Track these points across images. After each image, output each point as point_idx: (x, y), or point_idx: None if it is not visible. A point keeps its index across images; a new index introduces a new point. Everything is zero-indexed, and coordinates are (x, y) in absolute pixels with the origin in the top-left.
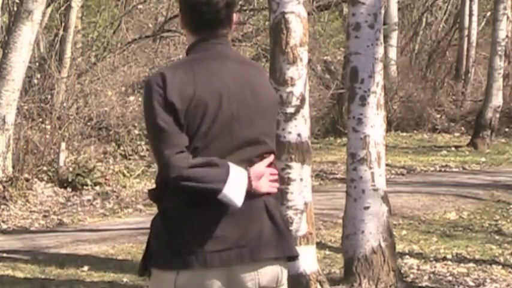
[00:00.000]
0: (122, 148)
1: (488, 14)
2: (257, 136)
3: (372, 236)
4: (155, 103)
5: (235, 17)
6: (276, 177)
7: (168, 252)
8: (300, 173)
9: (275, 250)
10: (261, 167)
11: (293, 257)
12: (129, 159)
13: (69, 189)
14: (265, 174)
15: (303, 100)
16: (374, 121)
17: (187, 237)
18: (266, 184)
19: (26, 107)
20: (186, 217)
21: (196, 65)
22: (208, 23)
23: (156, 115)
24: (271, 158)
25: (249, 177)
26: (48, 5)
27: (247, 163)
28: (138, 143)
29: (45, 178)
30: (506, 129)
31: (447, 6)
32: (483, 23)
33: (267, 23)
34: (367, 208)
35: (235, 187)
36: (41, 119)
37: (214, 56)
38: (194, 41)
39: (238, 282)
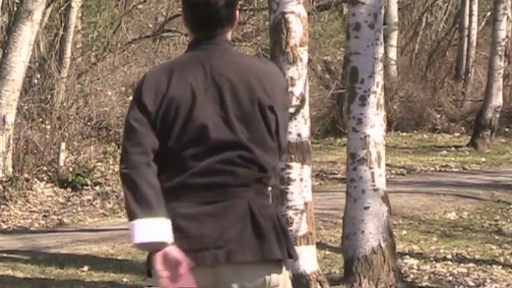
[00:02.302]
0: None
1: (488, 14)
2: (238, 140)
3: (371, 236)
4: (133, 102)
5: (237, 15)
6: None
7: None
8: (300, 173)
9: (254, 253)
10: (178, 256)
11: (281, 260)
12: None
13: (69, 189)
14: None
15: (303, 100)
16: (374, 121)
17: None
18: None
19: (26, 107)
20: (170, 217)
21: (178, 66)
22: (207, 22)
23: (130, 113)
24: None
25: (161, 249)
26: (48, 5)
27: (227, 165)
28: None
29: (45, 178)
30: (506, 129)
31: (447, 6)
32: (483, 23)
33: (267, 23)
34: (367, 208)
35: (144, 230)
36: (41, 119)
37: (199, 57)
38: (191, 41)
39: (224, 283)
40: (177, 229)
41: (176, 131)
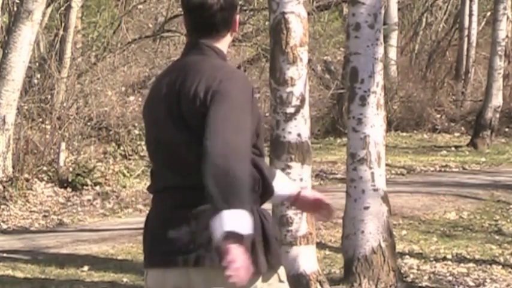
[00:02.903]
0: (121, 148)
1: (488, 14)
2: (170, 141)
3: (371, 236)
4: None
5: (236, 18)
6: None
7: (144, 252)
8: (300, 173)
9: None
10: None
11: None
12: (129, 159)
13: (69, 189)
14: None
15: (303, 100)
16: (374, 121)
17: (146, 237)
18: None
19: (26, 107)
20: (146, 219)
21: (164, 71)
22: (201, 26)
23: None
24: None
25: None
26: (48, 5)
27: (168, 169)
28: (138, 143)
29: (45, 178)
30: (506, 129)
31: (447, 6)
32: (483, 23)
33: (267, 23)
34: (367, 208)
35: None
36: (41, 119)
37: (178, 62)
38: (186, 43)
39: (199, 284)
40: (148, 232)
41: (146, 138)
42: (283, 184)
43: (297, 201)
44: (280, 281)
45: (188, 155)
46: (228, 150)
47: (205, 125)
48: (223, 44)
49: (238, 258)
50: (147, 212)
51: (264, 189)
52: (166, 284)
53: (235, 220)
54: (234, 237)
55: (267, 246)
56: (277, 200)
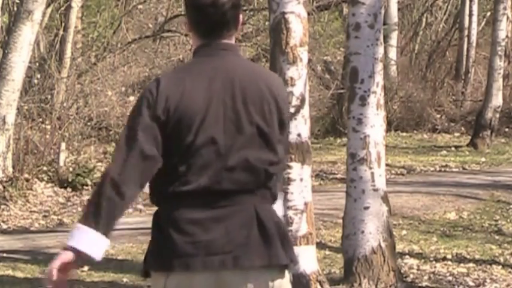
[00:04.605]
0: None
1: (488, 14)
2: (247, 146)
3: (371, 236)
4: (143, 109)
5: (241, 17)
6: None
7: (159, 255)
8: (300, 173)
9: (261, 258)
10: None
11: (285, 266)
12: None
13: (69, 189)
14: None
15: (303, 100)
16: (374, 121)
17: (174, 240)
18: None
19: (26, 107)
20: (174, 221)
21: (190, 73)
22: (214, 25)
23: (135, 118)
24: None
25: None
26: (48, 5)
27: (235, 171)
28: None
29: (45, 178)
30: (506, 129)
31: (447, 6)
32: (483, 23)
33: (267, 23)
34: (367, 208)
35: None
36: (41, 119)
37: (212, 63)
38: (199, 45)
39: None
40: (185, 234)
41: (188, 140)
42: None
43: None
44: (290, 280)
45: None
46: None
47: (281, 133)
48: (233, 41)
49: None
50: (147, 212)
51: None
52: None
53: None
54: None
55: (290, 245)
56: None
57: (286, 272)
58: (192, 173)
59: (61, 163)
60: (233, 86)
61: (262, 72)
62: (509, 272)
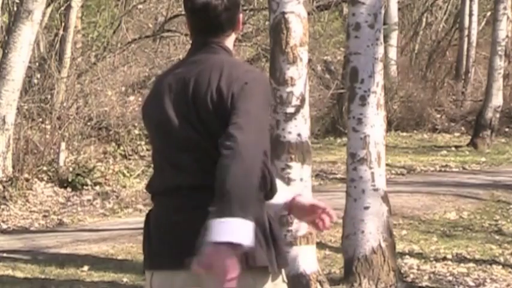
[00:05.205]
0: (121, 148)
1: (488, 14)
2: (181, 139)
3: (371, 236)
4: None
5: (240, 18)
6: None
7: (145, 253)
8: (300, 173)
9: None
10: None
11: (265, 267)
12: (129, 159)
13: (69, 189)
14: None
15: (303, 100)
16: (374, 121)
17: (152, 238)
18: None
19: (26, 107)
20: (153, 219)
21: (164, 74)
22: (207, 27)
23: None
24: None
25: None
26: (48, 5)
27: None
28: (138, 143)
29: (45, 178)
30: (506, 129)
31: (447, 6)
32: (483, 23)
33: (267, 23)
34: (367, 208)
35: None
36: (41, 119)
37: (183, 62)
38: (191, 44)
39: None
40: (155, 234)
41: (151, 137)
42: (278, 192)
43: (293, 210)
44: (284, 281)
45: (201, 154)
46: (256, 150)
47: (230, 120)
48: (229, 42)
49: (229, 266)
50: (147, 211)
51: (270, 189)
52: (175, 286)
53: (241, 230)
54: (233, 247)
55: (276, 247)
56: (272, 209)
57: (271, 276)
58: (160, 172)
59: (61, 163)
60: (186, 82)
61: (224, 67)
62: (510, 272)
